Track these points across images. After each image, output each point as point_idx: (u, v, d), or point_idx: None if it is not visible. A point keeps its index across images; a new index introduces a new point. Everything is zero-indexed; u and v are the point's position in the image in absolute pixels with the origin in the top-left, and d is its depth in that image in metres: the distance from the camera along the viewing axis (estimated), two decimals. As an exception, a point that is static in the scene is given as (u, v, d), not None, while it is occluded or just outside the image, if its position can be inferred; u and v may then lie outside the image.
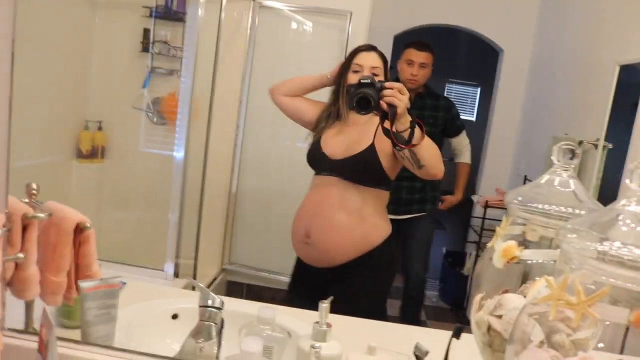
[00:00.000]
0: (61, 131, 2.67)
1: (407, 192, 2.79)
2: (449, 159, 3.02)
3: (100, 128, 2.83)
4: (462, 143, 3.01)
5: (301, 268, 1.82)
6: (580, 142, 2.78)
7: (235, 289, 3.08)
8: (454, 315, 3.69)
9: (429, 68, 2.77)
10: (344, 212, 1.70)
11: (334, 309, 1.04)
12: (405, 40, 2.94)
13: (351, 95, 1.53)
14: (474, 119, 7.16)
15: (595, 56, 2.95)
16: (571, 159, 0.82)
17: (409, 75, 2.71)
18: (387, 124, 1.51)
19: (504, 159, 4.18)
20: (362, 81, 1.53)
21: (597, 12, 3.04)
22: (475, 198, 4.05)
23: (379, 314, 1.84)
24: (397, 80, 2.69)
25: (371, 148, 1.68)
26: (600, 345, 0.64)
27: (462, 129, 2.98)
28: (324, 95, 1.90)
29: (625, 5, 2.70)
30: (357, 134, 1.73)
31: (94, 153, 2.84)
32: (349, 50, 1.93)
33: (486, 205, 3.67)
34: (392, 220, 2.81)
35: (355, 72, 1.72)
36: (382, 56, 1.77)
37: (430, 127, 2.73)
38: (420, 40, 2.81)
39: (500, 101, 4.23)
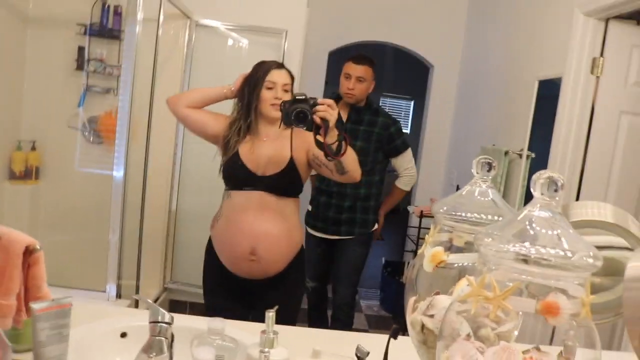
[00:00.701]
0: (-9, 152, 2.60)
1: (334, 211, 2.76)
2: (392, 171, 2.98)
3: (34, 148, 2.77)
4: (401, 166, 2.86)
5: (227, 280, 1.84)
6: (507, 152, 2.96)
7: (178, 307, 3.07)
8: (396, 323, 3.78)
9: (369, 82, 2.69)
10: (283, 225, 1.78)
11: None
12: (341, 57, 2.96)
13: (288, 110, 1.63)
14: (408, 131, 7.43)
15: (518, 72, 3.15)
16: (488, 171, 0.92)
17: (346, 88, 2.68)
18: (318, 137, 1.61)
19: (437, 169, 4.36)
20: (297, 97, 1.64)
21: (518, 32, 3.25)
22: (410, 209, 4.20)
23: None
24: (335, 95, 2.76)
25: (292, 162, 1.77)
26: (515, 333, 0.73)
27: (401, 151, 2.82)
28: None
29: (542, 26, 2.91)
30: (273, 148, 1.80)
31: (28, 174, 2.77)
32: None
33: (421, 215, 3.82)
34: (322, 239, 2.85)
35: (269, 88, 1.77)
36: (291, 74, 1.84)
37: (363, 142, 2.67)
38: (360, 54, 2.76)
39: (432, 114, 4.42)
